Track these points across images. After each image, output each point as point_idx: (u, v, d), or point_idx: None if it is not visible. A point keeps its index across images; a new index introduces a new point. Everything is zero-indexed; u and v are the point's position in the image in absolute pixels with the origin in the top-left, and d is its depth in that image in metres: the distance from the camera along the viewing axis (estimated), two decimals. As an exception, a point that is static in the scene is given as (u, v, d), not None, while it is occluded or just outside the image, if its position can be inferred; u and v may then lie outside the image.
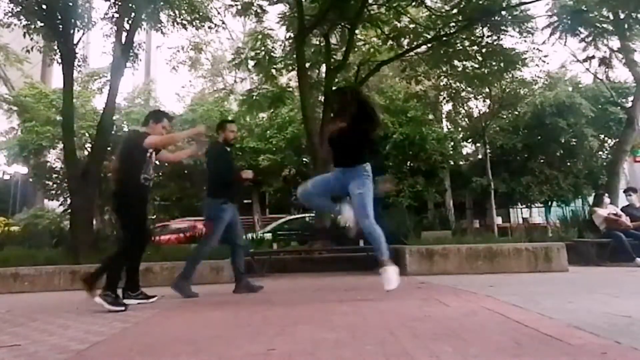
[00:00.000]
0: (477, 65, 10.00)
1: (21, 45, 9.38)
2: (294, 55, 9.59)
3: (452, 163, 14.65)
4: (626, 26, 9.35)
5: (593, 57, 11.33)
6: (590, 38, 10.21)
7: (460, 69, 10.33)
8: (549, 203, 14.08)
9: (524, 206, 15.53)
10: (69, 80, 7.75)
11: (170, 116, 4.55)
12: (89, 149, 10.73)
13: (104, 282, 3.74)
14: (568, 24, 9.40)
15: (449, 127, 15.43)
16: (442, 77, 11.48)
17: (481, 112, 13.21)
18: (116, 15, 8.58)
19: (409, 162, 13.66)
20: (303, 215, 13.08)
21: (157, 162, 4.31)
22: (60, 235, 9.12)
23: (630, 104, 11.25)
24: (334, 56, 9.92)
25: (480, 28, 9.24)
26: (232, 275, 4.85)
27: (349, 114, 3.81)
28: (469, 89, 11.60)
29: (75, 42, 7.83)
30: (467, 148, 16.61)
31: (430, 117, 14.26)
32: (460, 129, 15.07)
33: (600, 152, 14.63)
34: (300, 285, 4.80)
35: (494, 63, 9.65)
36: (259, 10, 9.96)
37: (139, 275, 4.29)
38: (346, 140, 3.83)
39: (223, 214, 4.46)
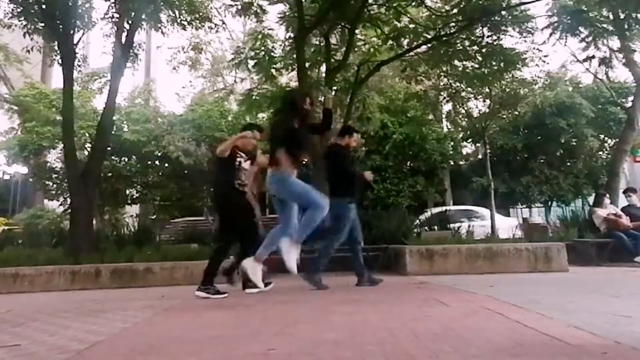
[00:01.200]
0: (477, 65, 9.99)
1: (21, 45, 9.38)
2: (294, 55, 9.58)
3: (452, 163, 14.64)
4: (626, 26, 9.34)
5: (593, 57, 11.32)
6: (590, 38, 10.20)
7: (460, 69, 10.32)
8: (549, 203, 14.07)
9: (524, 206, 15.52)
10: (69, 80, 7.75)
11: (257, 127, 4.88)
12: (89, 149, 10.72)
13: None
14: (568, 24, 9.39)
15: (449, 127, 15.41)
16: (442, 77, 11.46)
17: (481, 112, 13.19)
18: (116, 15, 8.59)
19: (409, 162, 13.65)
20: None
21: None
22: (60, 235, 9.11)
23: (630, 104, 11.24)
24: (334, 56, 9.91)
25: (480, 28, 9.23)
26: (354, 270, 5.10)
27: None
28: (469, 89, 11.57)
29: (75, 42, 7.83)
30: (467, 148, 16.60)
31: (430, 117, 14.23)
32: (460, 129, 15.05)
33: (600, 152, 14.62)
34: (300, 285, 4.80)
35: (494, 63, 9.64)
36: (259, 10, 9.94)
37: (231, 270, 4.70)
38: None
39: (349, 212, 4.78)
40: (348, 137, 5.13)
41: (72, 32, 7.75)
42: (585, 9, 8.88)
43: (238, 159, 4.45)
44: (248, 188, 4.59)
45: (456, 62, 10.18)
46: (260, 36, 10.37)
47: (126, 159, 13.19)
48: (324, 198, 3.91)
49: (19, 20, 8.26)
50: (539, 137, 13.71)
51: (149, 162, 13.13)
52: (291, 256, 3.80)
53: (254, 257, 3.91)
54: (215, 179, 4.81)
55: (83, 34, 8.46)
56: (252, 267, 3.90)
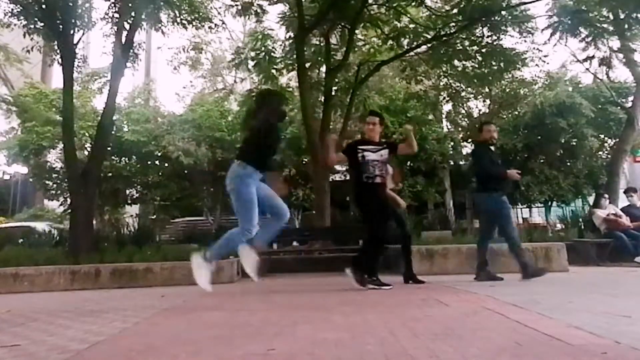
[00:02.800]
0: (477, 65, 10.00)
1: (21, 45, 9.39)
2: (294, 55, 9.59)
3: (452, 163, 14.63)
4: (626, 26, 9.34)
5: (593, 57, 11.32)
6: (590, 38, 10.20)
7: (460, 69, 10.33)
8: (549, 203, 14.07)
9: (524, 206, 15.52)
10: (69, 80, 7.75)
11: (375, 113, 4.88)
12: (89, 149, 10.73)
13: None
14: (568, 24, 9.39)
15: (449, 127, 15.42)
16: (442, 77, 11.47)
17: (481, 112, 13.21)
18: (116, 15, 8.58)
19: (409, 162, 13.65)
20: None
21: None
22: (60, 235, 9.12)
23: (630, 104, 11.24)
24: (334, 56, 9.91)
25: (480, 28, 9.24)
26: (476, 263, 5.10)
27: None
28: (469, 89, 11.59)
29: (75, 42, 7.83)
30: (467, 148, 16.61)
31: (430, 117, 14.24)
32: (460, 129, 15.05)
33: (600, 152, 14.60)
34: (300, 285, 4.80)
35: (494, 63, 9.65)
36: (259, 10, 9.96)
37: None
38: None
39: (504, 204, 4.84)
40: (481, 134, 5.23)
41: (72, 32, 7.75)
42: (585, 9, 8.88)
43: (360, 153, 4.35)
44: (383, 179, 4.42)
45: (456, 62, 10.19)
46: (260, 37, 10.38)
47: (126, 159, 13.20)
48: (255, 223, 3.45)
49: (19, 20, 8.26)
50: (539, 137, 13.69)
51: (149, 162, 13.14)
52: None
53: (206, 257, 3.48)
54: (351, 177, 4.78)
55: (83, 34, 8.46)
56: (198, 265, 3.46)
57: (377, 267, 4.46)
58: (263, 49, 10.30)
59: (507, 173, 5.00)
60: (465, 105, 13.41)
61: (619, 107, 12.57)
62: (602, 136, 14.25)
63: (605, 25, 9.48)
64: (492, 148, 5.26)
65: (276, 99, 3.93)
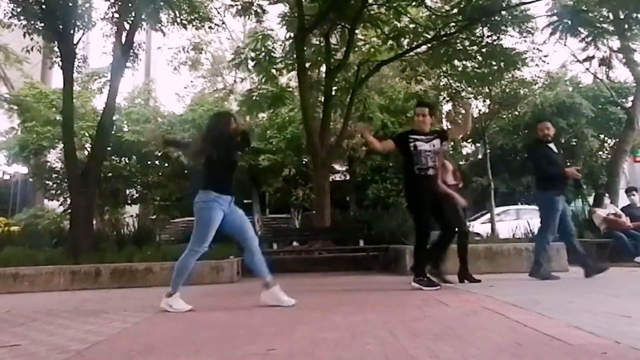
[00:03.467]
0: (477, 65, 9.99)
1: (21, 45, 9.37)
2: (294, 55, 9.59)
3: (452, 163, 14.62)
4: (626, 26, 9.33)
5: (593, 57, 11.31)
6: (590, 38, 10.19)
7: (460, 69, 10.32)
8: (549, 203, 14.06)
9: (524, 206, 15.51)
10: (69, 80, 7.74)
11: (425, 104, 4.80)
12: (89, 149, 10.73)
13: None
14: (568, 24, 9.39)
15: (449, 127, 15.40)
16: (442, 77, 11.46)
17: (481, 112, 13.18)
18: (116, 15, 8.58)
19: (409, 162, 13.64)
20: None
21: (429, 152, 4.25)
22: (60, 235, 9.11)
23: (630, 104, 11.24)
24: (334, 56, 9.91)
25: (480, 28, 9.23)
26: (532, 262, 5.02)
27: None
28: (469, 89, 11.57)
29: (75, 42, 7.83)
30: (467, 148, 16.59)
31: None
32: (460, 129, 15.04)
33: (600, 152, 14.61)
34: (301, 285, 4.80)
35: (494, 63, 9.64)
36: (259, 10, 9.95)
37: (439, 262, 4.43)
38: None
39: (556, 205, 4.75)
40: (537, 132, 5.16)
41: (72, 32, 7.74)
42: (585, 9, 8.88)
43: (412, 143, 4.16)
44: (436, 171, 4.25)
45: (456, 62, 10.18)
46: (260, 37, 10.38)
47: (126, 159, 13.19)
48: (205, 245, 3.49)
49: (19, 20, 8.25)
50: (539, 137, 13.69)
51: (149, 162, 13.14)
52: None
53: (170, 294, 3.42)
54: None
55: (83, 34, 8.45)
56: (168, 305, 3.38)
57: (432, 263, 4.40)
58: (263, 49, 10.30)
59: (566, 172, 4.87)
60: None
61: (619, 107, 12.57)
62: (602, 136, 14.26)
63: (605, 25, 9.47)
64: (551, 146, 5.06)
65: (218, 119, 3.78)
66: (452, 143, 14.37)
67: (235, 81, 18.17)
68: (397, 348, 1.89)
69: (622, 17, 9.10)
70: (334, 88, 9.91)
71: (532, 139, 5.28)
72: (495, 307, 2.85)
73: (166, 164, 12.83)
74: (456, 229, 4.55)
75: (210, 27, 10.36)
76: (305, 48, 9.30)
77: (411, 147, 4.16)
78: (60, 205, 13.00)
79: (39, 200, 15.60)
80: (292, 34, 9.94)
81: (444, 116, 15.15)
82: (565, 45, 10.45)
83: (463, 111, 4.60)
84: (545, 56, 10.61)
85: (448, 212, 4.34)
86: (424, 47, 9.77)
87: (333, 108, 10.06)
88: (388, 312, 2.93)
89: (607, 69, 11.51)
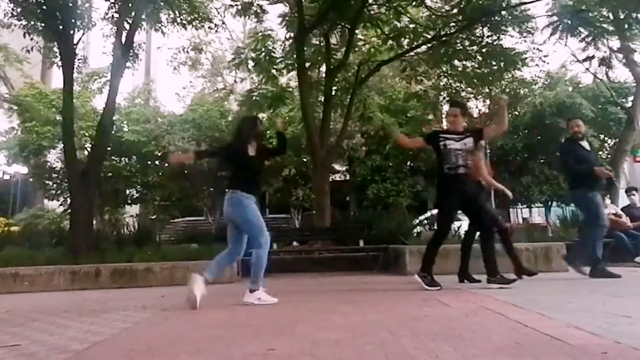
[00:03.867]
0: (477, 65, 9.99)
1: (21, 45, 9.38)
2: (294, 56, 9.59)
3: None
4: (626, 26, 9.35)
5: (593, 57, 11.33)
6: (590, 38, 10.20)
7: (460, 69, 10.33)
8: (549, 203, 14.06)
9: (524, 206, 15.51)
10: (69, 80, 7.75)
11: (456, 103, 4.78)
12: (89, 149, 10.73)
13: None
14: (568, 24, 9.40)
15: (449, 127, 15.41)
16: (442, 77, 11.47)
17: (481, 112, 13.21)
18: (116, 15, 8.58)
19: (409, 162, 13.65)
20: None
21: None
22: (60, 235, 9.11)
23: (630, 104, 11.24)
24: (334, 56, 9.91)
25: (480, 28, 9.24)
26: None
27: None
28: (469, 89, 11.58)
29: (75, 42, 7.83)
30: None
31: (430, 117, 14.24)
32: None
33: (600, 152, 14.61)
34: (301, 285, 4.80)
35: (494, 63, 9.65)
36: (259, 11, 9.96)
37: (491, 261, 4.21)
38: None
39: (594, 199, 4.78)
40: (568, 129, 5.17)
41: (72, 32, 7.74)
42: (585, 9, 8.88)
43: (442, 142, 4.15)
44: (467, 169, 4.19)
45: (456, 62, 10.19)
46: (260, 37, 10.39)
47: (126, 159, 13.19)
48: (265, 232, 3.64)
49: (19, 20, 8.26)
50: (539, 137, 13.69)
51: (149, 162, 13.14)
52: (262, 295, 3.55)
53: (204, 277, 3.56)
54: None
55: (83, 34, 8.45)
56: (197, 286, 3.49)
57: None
58: (263, 49, 10.30)
59: (595, 170, 4.79)
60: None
61: (619, 107, 12.57)
62: (602, 136, 14.26)
63: (605, 25, 9.48)
64: (583, 143, 5.00)
65: (245, 122, 4.01)
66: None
67: (235, 81, 18.19)
68: (397, 348, 1.89)
69: (622, 17, 9.11)
70: (334, 88, 9.92)
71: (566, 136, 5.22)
72: (495, 307, 2.85)
73: (166, 164, 12.82)
74: (494, 227, 4.42)
75: (210, 27, 10.37)
76: (305, 48, 9.31)
77: (441, 146, 4.15)
78: (60, 205, 13.01)
79: (39, 200, 15.61)
80: (292, 34, 9.95)
81: (444, 116, 15.16)
82: (565, 45, 10.48)
83: (499, 108, 4.54)
84: (545, 56, 10.64)
85: (482, 211, 4.28)
86: (424, 47, 9.77)
87: (333, 108, 10.06)
88: (388, 312, 2.93)
89: (607, 69, 11.52)
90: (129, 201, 13.76)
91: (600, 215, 4.83)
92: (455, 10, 9.01)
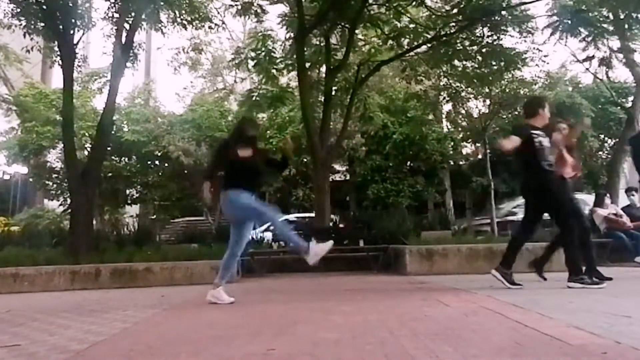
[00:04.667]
0: (477, 65, 9.99)
1: (21, 45, 9.38)
2: (294, 56, 9.59)
3: (452, 163, 14.64)
4: (626, 26, 9.35)
5: (593, 57, 11.33)
6: (590, 38, 10.20)
7: (460, 69, 10.32)
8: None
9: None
10: (69, 80, 7.75)
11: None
12: (89, 149, 10.73)
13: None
14: (568, 24, 9.39)
15: (449, 127, 15.41)
16: (442, 77, 11.47)
17: (481, 112, 13.19)
18: (116, 15, 8.58)
19: (409, 162, 13.66)
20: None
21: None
22: (60, 235, 9.12)
23: (630, 104, 11.25)
24: (334, 56, 9.91)
25: (480, 28, 9.24)
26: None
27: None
28: (469, 89, 11.58)
29: (75, 42, 7.83)
30: (467, 148, 16.59)
31: (430, 117, 14.24)
32: (460, 129, 15.05)
33: (600, 152, 14.62)
34: (300, 285, 4.80)
35: (494, 63, 9.64)
36: (259, 11, 9.95)
37: (571, 261, 4.18)
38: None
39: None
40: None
41: (72, 32, 7.74)
42: (585, 9, 8.88)
43: (537, 139, 4.06)
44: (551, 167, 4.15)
45: (456, 62, 10.18)
46: (260, 37, 10.38)
47: (126, 159, 13.19)
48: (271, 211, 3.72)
49: (19, 20, 8.25)
50: (539, 137, 13.68)
51: (149, 162, 13.14)
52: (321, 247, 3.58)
53: (214, 282, 3.79)
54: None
55: (83, 33, 8.46)
56: (215, 293, 3.72)
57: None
58: (263, 49, 10.30)
59: None
60: (465, 105, 13.40)
61: (619, 107, 12.58)
62: (602, 136, 14.26)
63: (605, 25, 9.48)
64: None
65: (241, 127, 4.05)
66: (453, 143, 14.40)
67: (235, 81, 18.19)
68: (397, 348, 1.89)
69: (622, 17, 9.11)
70: (334, 88, 9.92)
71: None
72: (495, 307, 2.85)
73: (166, 164, 12.82)
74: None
75: (210, 27, 10.36)
76: (305, 48, 9.30)
77: (537, 143, 4.06)
78: (60, 205, 13.01)
79: (39, 200, 15.61)
80: (292, 34, 9.94)
81: (444, 116, 15.17)
82: (565, 45, 10.48)
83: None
84: (545, 56, 10.63)
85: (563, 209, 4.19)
86: (424, 47, 9.77)
87: (333, 108, 10.06)
88: (388, 312, 2.93)
89: (607, 69, 11.52)
90: (129, 201, 13.76)
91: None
92: (455, 10, 9.01)
